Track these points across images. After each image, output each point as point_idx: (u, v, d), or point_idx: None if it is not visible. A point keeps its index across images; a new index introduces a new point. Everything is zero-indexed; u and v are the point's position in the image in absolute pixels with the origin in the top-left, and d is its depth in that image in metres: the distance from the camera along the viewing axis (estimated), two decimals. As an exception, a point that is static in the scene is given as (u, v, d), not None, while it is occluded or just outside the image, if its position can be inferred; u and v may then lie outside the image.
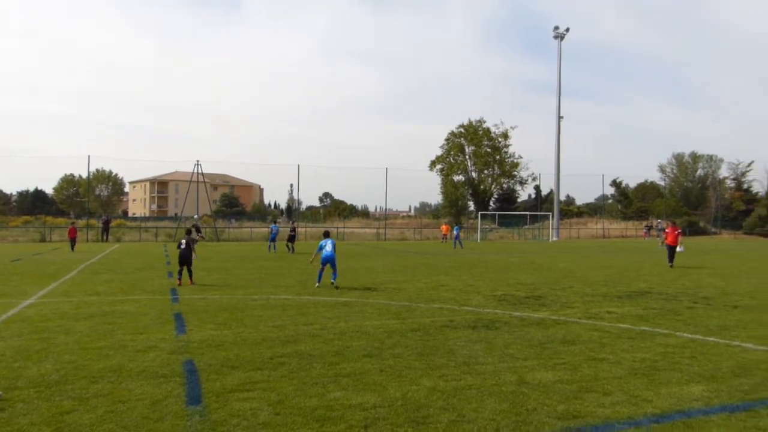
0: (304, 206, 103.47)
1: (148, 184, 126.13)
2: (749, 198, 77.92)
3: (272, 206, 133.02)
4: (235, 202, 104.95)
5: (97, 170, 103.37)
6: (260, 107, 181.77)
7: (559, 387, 6.13)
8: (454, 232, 40.28)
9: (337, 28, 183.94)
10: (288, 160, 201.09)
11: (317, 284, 15.15)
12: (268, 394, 5.83)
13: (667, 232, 23.44)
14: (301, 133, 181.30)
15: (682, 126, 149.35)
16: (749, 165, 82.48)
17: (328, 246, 15.17)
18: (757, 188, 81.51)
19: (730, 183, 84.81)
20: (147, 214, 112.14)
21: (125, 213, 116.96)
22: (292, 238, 31.94)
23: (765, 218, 65.72)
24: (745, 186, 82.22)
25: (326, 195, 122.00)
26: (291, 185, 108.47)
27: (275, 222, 40.12)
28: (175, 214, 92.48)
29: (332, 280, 15.17)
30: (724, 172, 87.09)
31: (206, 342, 8.32)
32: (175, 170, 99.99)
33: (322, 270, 15.23)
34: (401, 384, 6.22)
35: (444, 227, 50.49)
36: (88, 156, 46.78)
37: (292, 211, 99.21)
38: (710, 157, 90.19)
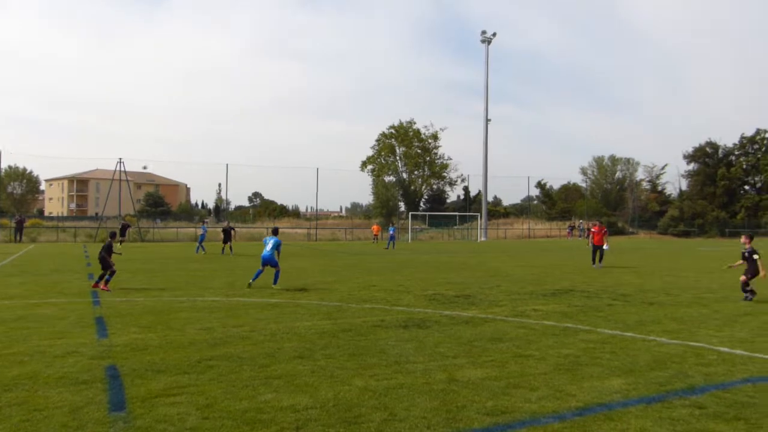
0: (233, 206, 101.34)
1: (66, 182, 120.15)
2: (663, 200, 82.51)
3: (200, 206, 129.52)
4: (160, 202, 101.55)
5: (10, 167, 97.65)
6: (187, 105, 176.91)
7: (488, 384, 6.26)
8: (390, 232, 40.45)
9: (265, 26, 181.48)
10: (216, 159, 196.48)
11: (250, 282, 14.92)
12: (196, 398, 5.66)
13: (593, 232, 23.33)
14: (229, 132, 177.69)
15: (601, 130, 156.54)
16: (663, 168, 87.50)
17: (268, 245, 14.62)
18: (671, 190, 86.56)
19: (645, 185, 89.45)
20: (65, 214, 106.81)
21: (41, 212, 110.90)
22: (228, 238, 30.02)
23: (677, 219, 69.70)
24: (660, 188, 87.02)
25: (256, 195, 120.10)
26: (219, 184, 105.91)
27: (204, 222, 38.78)
28: (96, 214, 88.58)
29: (273, 284, 14.56)
30: (640, 174, 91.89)
31: (130, 346, 8.00)
32: (96, 168, 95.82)
33: (260, 271, 14.79)
34: (333, 384, 6.19)
35: (375, 227, 50.72)
36: None
37: (220, 211, 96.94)
38: (628, 160, 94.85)
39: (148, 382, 6.21)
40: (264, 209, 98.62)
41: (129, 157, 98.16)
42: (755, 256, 12.96)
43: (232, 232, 31.24)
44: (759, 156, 73.27)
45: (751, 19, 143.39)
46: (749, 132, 74.32)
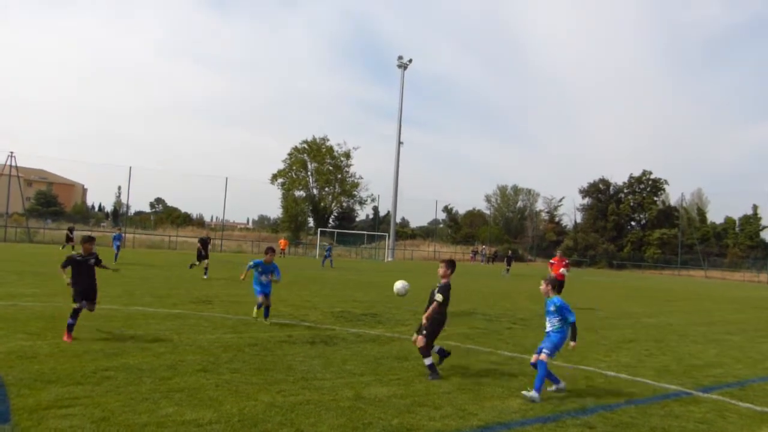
0: (132, 211, 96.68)
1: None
2: (560, 230, 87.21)
3: (96, 208, 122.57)
4: (52, 201, 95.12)
5: None
6: (88, 103, 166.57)
7: (394, 401, 6.37)
8: (326, 250, 40.22)
9: (175, 27, 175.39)
10: (117, 160, 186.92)
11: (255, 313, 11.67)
12: (91, 411, 5.37)
13: (552, 263, 19.77)
14: (132, 134, 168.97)
15: (506, 160, 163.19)
16: (561, 200, 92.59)
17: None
18: (566, 222, 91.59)
19: (544, 215, 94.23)
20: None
21: None
22: (203, 254, 22.94)
23: (572, 249, 73.79)
24: (557, 219, 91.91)
25: (158, 201, 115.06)
26: (119, 187, 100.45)
27: (119, 230, 34.30)
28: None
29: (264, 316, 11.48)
30: (540, 205, 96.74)
31: (16, 353, 7.45)
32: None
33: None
34: (238, 399, 6.07)
35: (282, 242, 50.11)
36: None
37: (119, 214, 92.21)
38: (529, 191, 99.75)
39: (37, 393, 5.83)
40: (166, 216, 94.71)
41: (21, 152, 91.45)
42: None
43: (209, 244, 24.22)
44: (644, 195, 79.25)
45: (645, 68, 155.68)
46: (637, 173, 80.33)
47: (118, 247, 28.84)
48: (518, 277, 35.90)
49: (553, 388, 7.19)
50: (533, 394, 6.71)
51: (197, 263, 23.32)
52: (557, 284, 7.61)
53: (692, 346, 11.90)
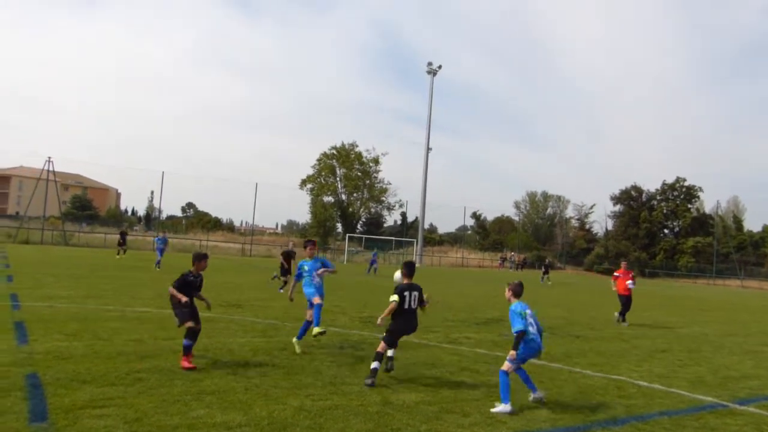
0: (164, 215, 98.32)
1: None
2: (590, 237, 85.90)
3: (130, 212, 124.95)
4: (87, 205, 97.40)
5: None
6: (123, 109, 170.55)
7: (422, 408, 6.35)
8: (372, 257, 39.00)
9: (207, 36, 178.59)
10: (150, 165, 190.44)
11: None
12: (124, 411, 5.47)
13: (617, 276, 17.26)
14: (165, 140, 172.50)
15: (536, 167, 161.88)
16: (591, 207, 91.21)
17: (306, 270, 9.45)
18: (597, 229, 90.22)
19: (574, 223, 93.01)
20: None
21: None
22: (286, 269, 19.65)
23: (602, 257, 72.64)
24: (587, 226, 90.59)
25: (190, 205, 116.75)
26: (152, 192, 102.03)
27: (163, 233, 32.60)
28: (17, 213, 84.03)
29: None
30: (570, 212, 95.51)
31: (53, 354, 7.64)
32: (20, 165, 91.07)
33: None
34: (267, 403, 6.12)
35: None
36: None
37: (151, 219, 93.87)
38: (559, 198, 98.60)
39: (73, 393, 5.96)
40: (197, 221, 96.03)
41: (59, 157, 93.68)
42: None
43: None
44: (677, 203, 77.64)
45: (678, 72, 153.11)
46: (670, 179, 78.80)
47: (162, 251, 27.45)
48: (546, 285, 35.45)
49: (531, 397, 6.87)
50: (502, 407, 6.38)
51: (280, 278, 20.24)
52: (521, 291, 7.25)
53: (728, 357, 11.61)
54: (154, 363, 7.56)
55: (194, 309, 7.90)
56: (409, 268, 8.19)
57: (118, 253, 32.89)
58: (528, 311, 7.01)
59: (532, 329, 6.89)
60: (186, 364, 7.41)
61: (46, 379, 6.39)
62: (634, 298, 17.12)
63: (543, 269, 41.29)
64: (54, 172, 47.07)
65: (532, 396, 6.90)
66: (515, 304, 7.06)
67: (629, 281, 16.72)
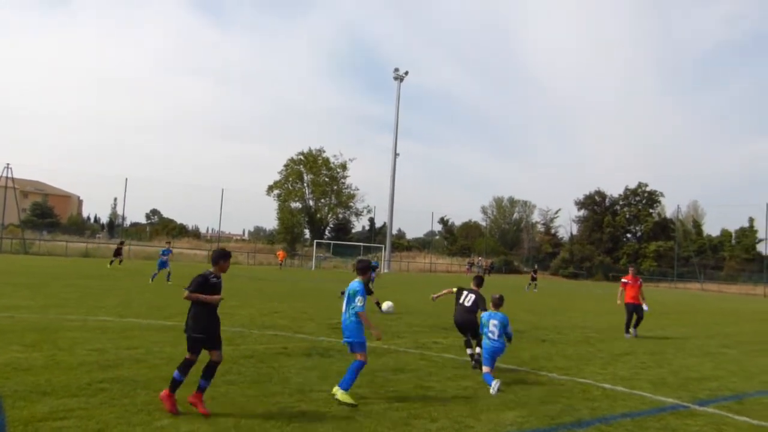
0: (128, 222, 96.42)
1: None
2: (556, 242, 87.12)
3: (92, 219, 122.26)
4: (48, 213, 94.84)
5: None
6: (84, 114, 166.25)
7: (390, 414, 6.36)
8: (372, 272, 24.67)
9: (173, 39, 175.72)
10: (112, 171, 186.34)
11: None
12: (85, 423, 5.35)
13: (625, 283, 15.87)
14: (128, 145, 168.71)
15: (502, 172, 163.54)
16: (557, 212, 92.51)
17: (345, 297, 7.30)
18: (562, 234, 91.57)
19: (540, 227, 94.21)
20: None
21: None
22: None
23: (568, 261, 73.73)
24: (553, 231, 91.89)
25: (154, 212, 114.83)
26: (115, 199, 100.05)
27: (168, 243, 29.78)
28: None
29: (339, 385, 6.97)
30: (536, 217, 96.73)
31: (11, 365, 7.41)
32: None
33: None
34: (234, 412, 6.04)
35: (280, 253, 49.97)
36: None
37: (114, 226, 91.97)
38: (525, 203, 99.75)
39: (32, 405, 5.80)
40: (162, 227, 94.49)
41: (17, 163, 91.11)
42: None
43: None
44: (640, 207, 79.42)
45: (641, 81, 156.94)
46: (632, 184, 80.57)
47: (164, 264, 24.24)
48: (514, 290, 35.85)
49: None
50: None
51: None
52: (499, 303, 8.57)
53: (689, 359, 11.90)
54: (117, 373, 7.40)
55: (210, 326, 6.19)
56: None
57: (111, 263, 32.20)
58: (494, 320, 8.22)
59: (491, 335, 8.18)
60: (169, 405, 5.88)
61: (4, 392, 6.19)
62: (597, 302, 17.38)
63: (531, 275, 39.09)
64: (13, 179, 45.75)
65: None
66: (484, 314, 8.50)
67: (642, 304, 15.24)
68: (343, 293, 7.75)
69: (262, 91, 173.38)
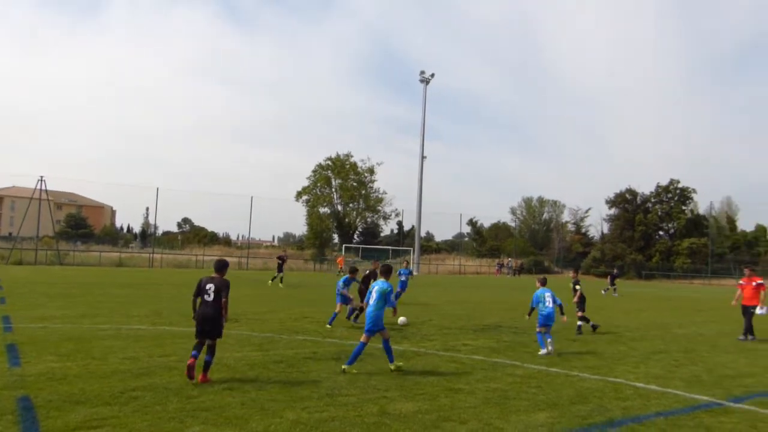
0: (160, 231, 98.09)
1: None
2: (586, 241, 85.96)
3: (125, 230, 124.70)
4: (82, 224, 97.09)
5: None
6: (114, 124, 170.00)
7: (419, 417, 6.34)
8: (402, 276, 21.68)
9: (199, 48, 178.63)
10: (145, 181, 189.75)
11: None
12: (118, 431, 5.45)
13: (742, 284, 15.24)
14: (159, 155, 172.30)
15: (531, 172, 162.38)
16: (587, 211, 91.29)
17: (373, 295, 8.91)
18: (593, 233, 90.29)
19: (570, 227, 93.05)
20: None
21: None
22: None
23: (599, 260, 72.70)
24: (583, 230, 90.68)
25: (185, 221, 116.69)
26: (147, 208, 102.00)
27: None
28: (9, 234, 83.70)
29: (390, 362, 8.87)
30: (566, 216, 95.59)
31: (46, 375, 7.59)
32: (12, 185, 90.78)
33: (363, 344, 8.81)
34: (264, 417, 6.10)
35: (340, 259, 49.84)
36: None
37: (146, 235, 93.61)
38: (555, 203, 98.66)
39: (66, 414, 5.93)
40: (193, 236, 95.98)
41: (51, 176, 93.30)
42: (577, 287, 15.33)
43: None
44: (672, 204, 77.86)
45: (671, 76, 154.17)
46: (664, 182, 79.07)
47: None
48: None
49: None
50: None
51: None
52: (544, 281, 11.86)
53: (723, 356, 11.63)
54: (150, 381, 7.52)
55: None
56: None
57: (273, 279, 30.15)
58: (547, 294, 11.25)
59: (543, 305, 11.12)
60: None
61: (38, 402, 6.34)
62: (630, 300, 17.16)
63: (609, 279, 33.90)
64: (47, 191, 46.90)
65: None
66: (537, 291, 11.36)
67: (761, 295, 14.44)
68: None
69: (288, 97, 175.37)
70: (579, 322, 14.68)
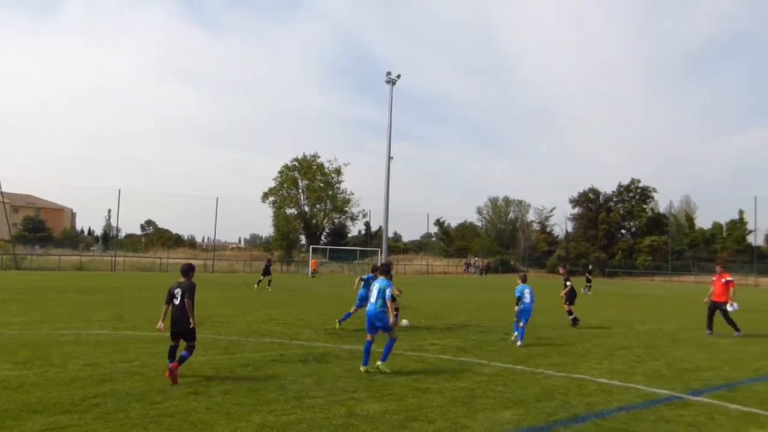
0: (123, 234, 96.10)
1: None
2: (551, 240, 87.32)
3: (86, 232, 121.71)
4: (40, 227, 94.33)
5: None
6: (74, 124, 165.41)
7: (387, 417, 6.35)
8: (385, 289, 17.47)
9: (162, 48, 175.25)
10: (106, 183, 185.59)
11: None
12: (79, 439, 5.31)
13: (714, 282, 15.31)
14: (121, 156, 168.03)
15: (496, 172, 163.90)
16: (552, 211, 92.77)
17: (373, 292, 9.24)
18: (558, 232, 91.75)
19: (536, 226, 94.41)
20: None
21: None
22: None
23: (563, 258, 73.87)
24: (548, 229, 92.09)
25: (149, 223, 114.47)
26: (109, 210, 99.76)
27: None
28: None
29: (381, 360, 9.04)
30: (531, 216, 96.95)
31: (1, 384, 7.34)
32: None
33: (369, 342, 9.08)
34: (229, 421, 6.02)
35: (313, 262, 49.35)
36: None
37: (108, 238, 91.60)
38: (520, 202, 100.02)
39: (22, 424, 5.76)
40: (157, 238, 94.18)
41: (6, 177, 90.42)
42: (568, 282, 16.87)
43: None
44: (633, 203, 79.67)
45: (632, 77, 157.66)
46: (625, 181, 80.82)
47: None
48: (509, 289, 35.81)
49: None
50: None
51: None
52: (525, 278, 12.82)
53: (683, 350, 11.95)
54: (111, 387, 7.36)
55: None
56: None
57: (258, 282, 30.02)
58: (526, 290, 12.43)
59: (525, 299, 12.32)
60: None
61: (-5, 410, 6.15)
62: (593, 298, 17.64)
63: (586, 278, 35.27)
64: (2, 193, 45.55)
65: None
66: (519, 286, 12.55)
67: (728, 293, 14.67)
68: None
69: (254, 98, 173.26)
70: (570, 316, 16.11)
